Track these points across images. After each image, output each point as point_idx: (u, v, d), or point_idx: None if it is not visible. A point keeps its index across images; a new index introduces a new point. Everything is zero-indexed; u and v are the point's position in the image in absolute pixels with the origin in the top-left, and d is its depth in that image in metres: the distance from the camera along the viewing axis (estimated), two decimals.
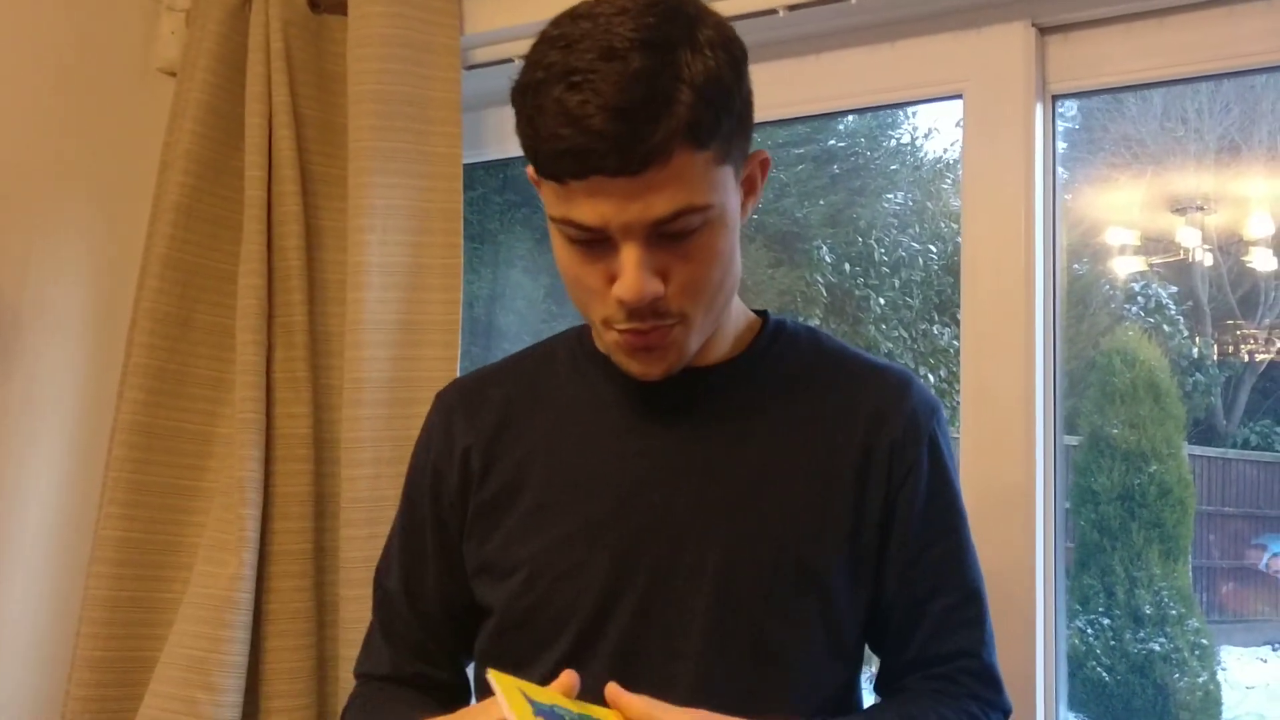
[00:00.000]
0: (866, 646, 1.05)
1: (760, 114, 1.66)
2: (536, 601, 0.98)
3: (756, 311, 1.09)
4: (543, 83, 0.87)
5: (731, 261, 0.95)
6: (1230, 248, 3.01)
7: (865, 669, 1.05)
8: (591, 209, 0.88)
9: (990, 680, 1.02)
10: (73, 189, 1.84)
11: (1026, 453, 1.45)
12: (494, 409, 1.07)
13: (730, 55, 0.90)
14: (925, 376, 3.43)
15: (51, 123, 1.81)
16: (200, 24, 1.77)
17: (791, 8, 1.54)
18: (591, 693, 0.82)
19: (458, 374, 1.68)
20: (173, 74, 1.87)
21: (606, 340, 0.98)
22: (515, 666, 0.98)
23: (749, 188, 0.99)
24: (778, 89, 1.64)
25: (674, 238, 0.90)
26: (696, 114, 0.86)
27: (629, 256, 0.89)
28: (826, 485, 0.98)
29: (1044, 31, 1.50)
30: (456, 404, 1.10)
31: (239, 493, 1.59)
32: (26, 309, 1.79)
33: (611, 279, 0.91)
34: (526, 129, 0.89)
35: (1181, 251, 3.00)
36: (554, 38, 0.88)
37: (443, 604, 1.08)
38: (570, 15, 0.90)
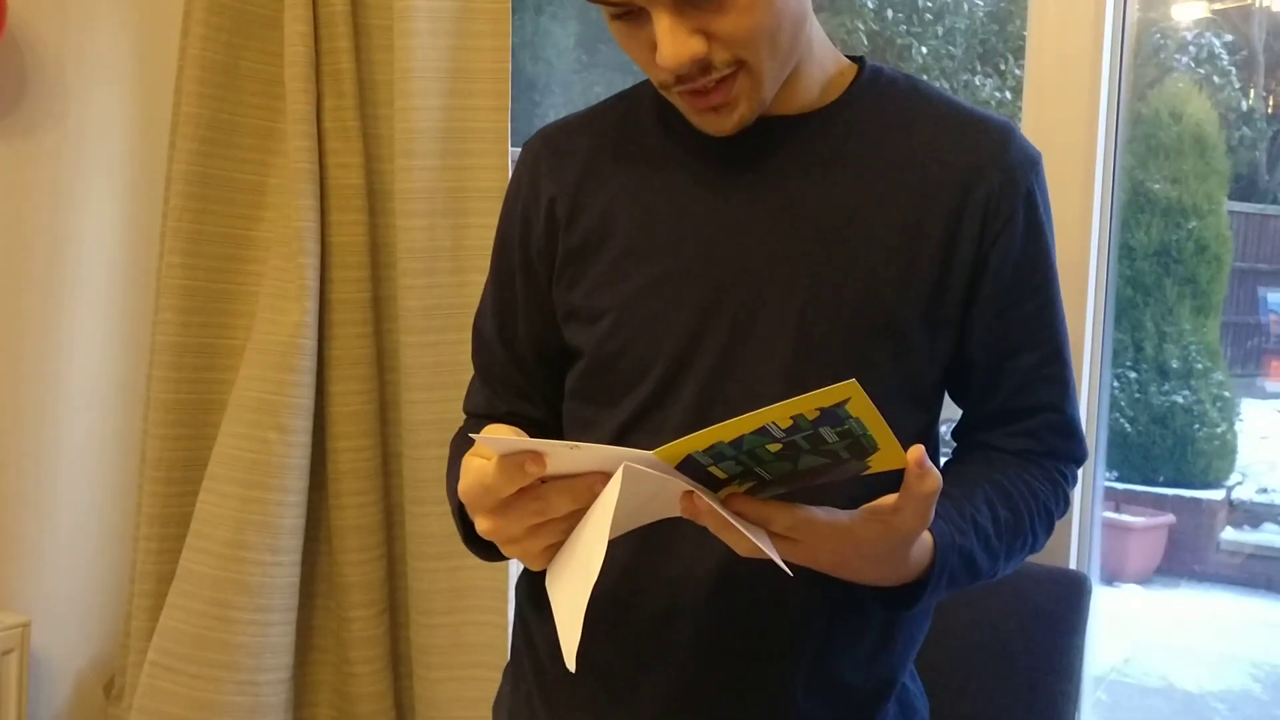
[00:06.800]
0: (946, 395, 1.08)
1: None
2: (622, 346, 1.01)
3: (853, 58, 1.07)
4: None
5: (783, 2, 0.92)
6: None
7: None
8: None
9: (1071, 433, 1.05)
10: None
11: (1084, 212, 1.45)
12: (578, 159, 1.07)
13: None
14: None
15: None
16: None
17: None
18: (672, 434, 0.85)
19: (508, 123, 1.66)
20: None
21: (675, 103, 0.98)
22: (602, 405, 1.02)
23: None
24: None
25: None
26: None
27: (660, 24, 0.90)
28: (914, 234, 0.98)
29: None
30: (542, 154, 1.10)
31: (297, 242, 1.61)
32: (69, 55, 1.77)
33: (655, 48, 0.91)
34: None
35: None
36: None
37: (534, 347, 1.11)
38: None
